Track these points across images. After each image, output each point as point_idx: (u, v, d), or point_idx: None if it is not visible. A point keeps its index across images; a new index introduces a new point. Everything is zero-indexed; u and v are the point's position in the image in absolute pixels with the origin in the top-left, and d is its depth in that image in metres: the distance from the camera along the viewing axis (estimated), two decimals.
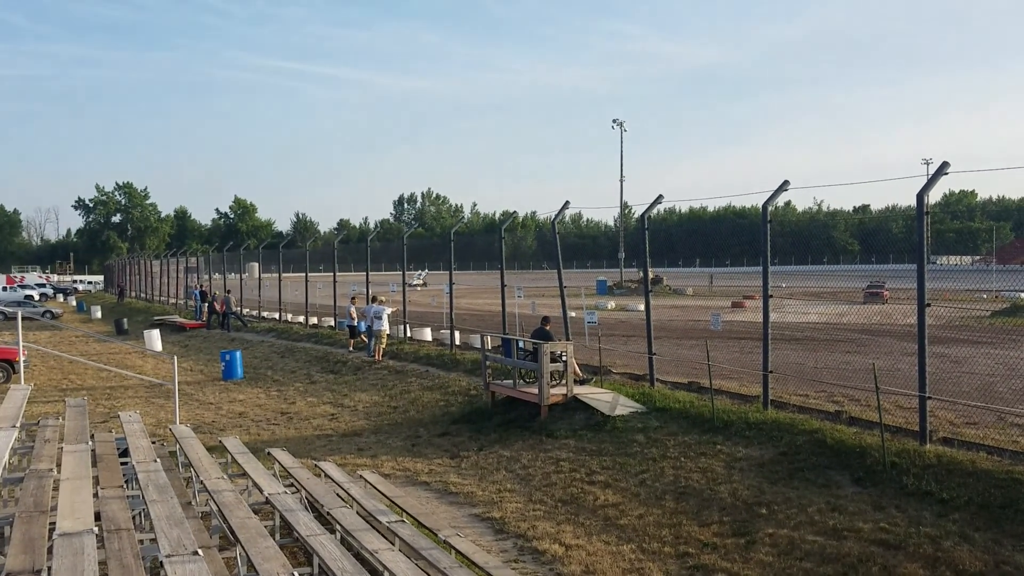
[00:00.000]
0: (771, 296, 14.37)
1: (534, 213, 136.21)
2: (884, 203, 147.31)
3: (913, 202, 11.72)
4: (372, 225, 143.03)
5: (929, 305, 11.45)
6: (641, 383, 17.11)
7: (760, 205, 14.20)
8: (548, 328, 17.59)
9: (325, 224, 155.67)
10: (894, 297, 36.73)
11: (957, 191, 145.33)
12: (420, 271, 53.03)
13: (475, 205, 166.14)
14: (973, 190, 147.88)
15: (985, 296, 45.08)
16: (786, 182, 13.74)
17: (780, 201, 15.00)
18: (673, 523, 10.61)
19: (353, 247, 54.40)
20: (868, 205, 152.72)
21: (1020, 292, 45.97)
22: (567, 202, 19.51)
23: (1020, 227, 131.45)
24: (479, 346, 20.29)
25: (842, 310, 40.10)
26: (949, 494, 9.81)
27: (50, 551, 6.17)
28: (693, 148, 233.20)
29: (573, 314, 23.51)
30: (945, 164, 11.18)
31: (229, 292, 39.54)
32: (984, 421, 13.16)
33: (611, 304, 51.53)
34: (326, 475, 12.12)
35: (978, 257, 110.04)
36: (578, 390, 16.23)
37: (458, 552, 8.99)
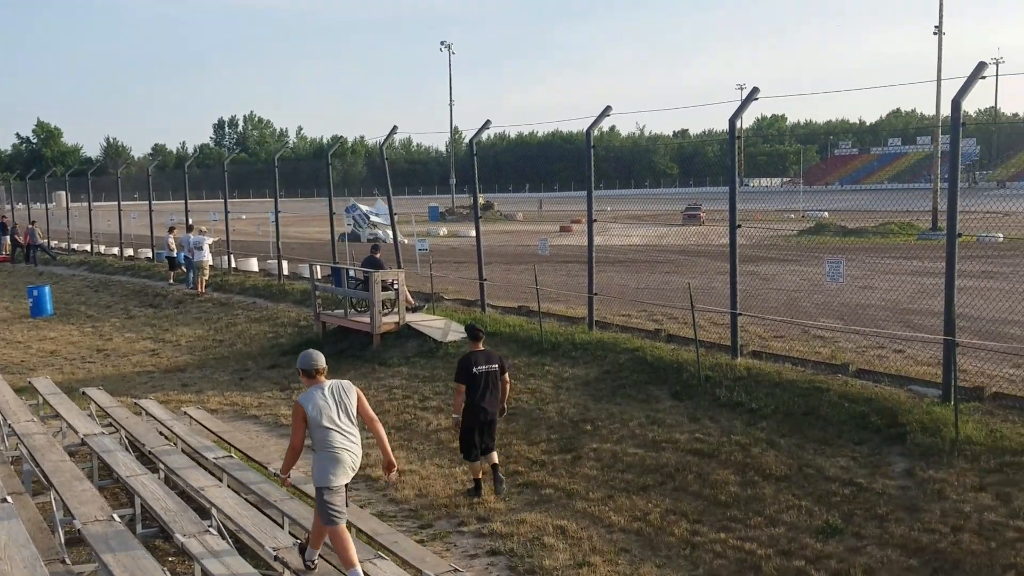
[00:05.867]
0: (595, 220, 14.72)
1: (363, 138, 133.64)
2: (702, 128, 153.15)
3: (727, 127, 12.21)
4: (191, 150, 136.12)
5: (740, 226, 12.05)
6: (472, 309, 17.29)
7: (584, 130, 14.43)
8: (379, 256, 17.42)
9: (139, 149, 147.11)
10: (710, 219, 38.50)
11: (769, 115, 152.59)
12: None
13: (301, 129, 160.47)
14: (783, 114, 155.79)
15: (793, 216, 48.15)
16: (608, 107, 14.00)
17: (605, 126, 15.35)
18: (503, 443, 10.87)
19: (170, 174, 51.77)
20: (687, 130, 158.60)
21: (824, 212, 49.35)
22: (395, 127, 19.20)
23: (825, 150, 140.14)
24: (308, 276, 19.91)
25: (663, 232, 41.64)
26: (758, 404, 10.49)
27: None
28: (524, 72, 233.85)
29: (405, 241, 23.38)
30: (755, 90, 11.68)
31: (34, 223, 36.87)
32: (790, 334, 14.10)
33: (443, 230, 51.53)
34: (147, 413, 11.68)
35: (787, 179, 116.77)
36: (410, 318, 16.23)
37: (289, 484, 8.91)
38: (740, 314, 12.17)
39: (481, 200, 18.37)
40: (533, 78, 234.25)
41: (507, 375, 9.60)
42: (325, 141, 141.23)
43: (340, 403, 6.62)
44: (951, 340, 9.32)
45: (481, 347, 9.48)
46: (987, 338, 12.89)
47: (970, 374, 10.73)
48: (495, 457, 9.58)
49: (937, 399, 9.59)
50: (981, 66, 9.23)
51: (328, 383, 6.67)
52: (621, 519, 8.58)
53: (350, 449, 6.63)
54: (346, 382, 6.81)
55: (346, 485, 6.70)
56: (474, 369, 9.19)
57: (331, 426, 6.53)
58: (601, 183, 15.91)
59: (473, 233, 18.20)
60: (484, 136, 17.57)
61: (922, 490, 8.13)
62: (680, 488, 9.12)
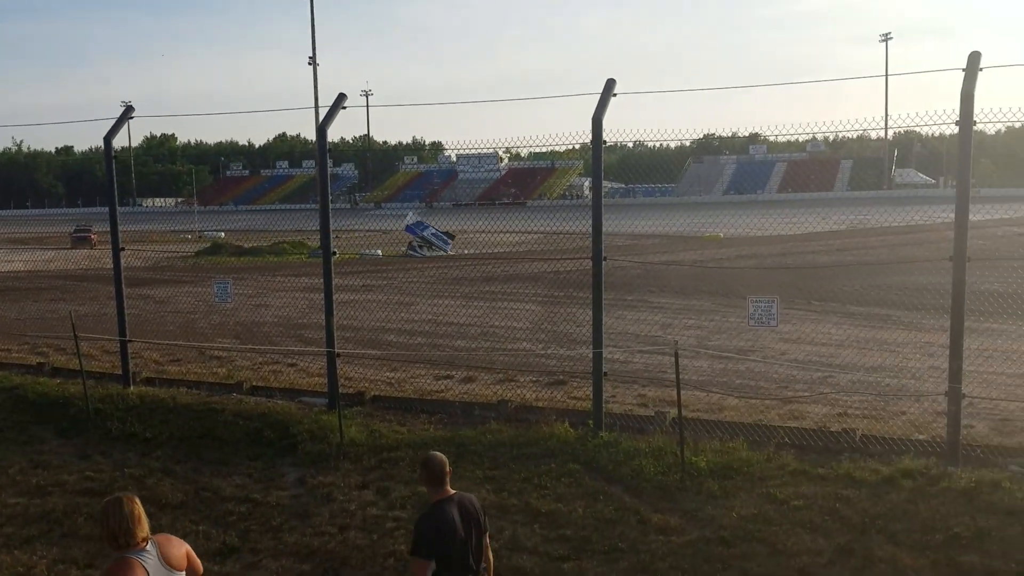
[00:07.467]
0: None
1: None
2: (89, 145, 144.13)
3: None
4: None
5: (124, 249, 11.64)
6: None
7: None
8: None
9: None
10: (103, 241, 36.44)
11: (159, 135, 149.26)
12: None
13: None
14: (174, 134, 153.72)
15: (189, 236, 47.79)
16: None
17: None
18: None
19: None
20: (72, 147, 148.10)
21: (220, 232, 49.78)
22: None
23: (217, 171, 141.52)
24: None
25: (49, 256, 38.42)
26: (152, 432, 10.18)
27: None
28: None
29: None
30: (130, 108, 11.37)
31: None
32: (187, 357, 13.98)
33: None
34: None
35: (182, 199, 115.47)
36: None
37: None
38: (131, 341, 11.73)
39: None
40: None
41: None
42: None
43: None
44: (331, 351, 10.08)
45: None
46: (369, 346, 14.20)
47: (354, 380, 11.71)
48: None
49: (324, 407, 10.29)
50: (341, 97, 10.10)
51: None
52: None
53: None
54: None
55: None
56: None
57: None
58: None
59: None
60: None
61: (313, 496, 8.64)
62: (70, 533, 8.45)
